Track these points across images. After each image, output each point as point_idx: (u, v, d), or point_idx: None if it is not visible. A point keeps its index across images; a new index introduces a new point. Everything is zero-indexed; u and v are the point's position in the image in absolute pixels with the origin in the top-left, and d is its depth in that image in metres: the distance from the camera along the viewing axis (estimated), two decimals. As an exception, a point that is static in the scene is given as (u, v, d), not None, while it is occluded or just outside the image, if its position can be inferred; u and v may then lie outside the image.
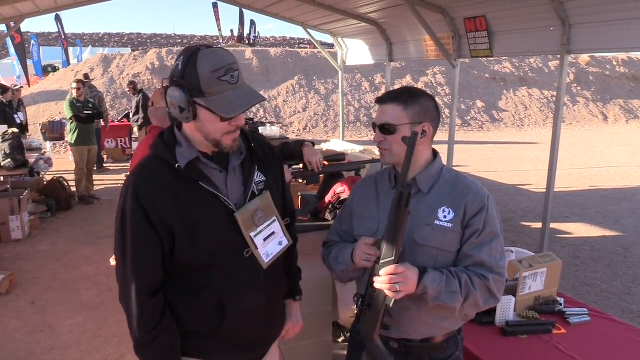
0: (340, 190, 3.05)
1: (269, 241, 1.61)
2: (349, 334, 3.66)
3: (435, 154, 1.73)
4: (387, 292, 1.49)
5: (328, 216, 3.05)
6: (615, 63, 22.39)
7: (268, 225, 1.61)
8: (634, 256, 5.74)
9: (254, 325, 1.63)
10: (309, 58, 19.22)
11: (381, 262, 1.51)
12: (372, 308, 1.55)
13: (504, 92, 20.14)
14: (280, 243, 1.66)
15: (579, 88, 20.96)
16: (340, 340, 3.56)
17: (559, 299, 2.48)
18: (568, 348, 2.10)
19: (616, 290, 4.83)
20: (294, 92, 17.72)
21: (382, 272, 1.49)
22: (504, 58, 20.68)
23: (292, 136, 14.72)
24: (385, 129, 1.64)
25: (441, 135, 1.84)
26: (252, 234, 1.55)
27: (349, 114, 17.21)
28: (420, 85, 18.25)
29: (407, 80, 18.78)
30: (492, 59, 19.91)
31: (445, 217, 1.60)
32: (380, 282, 1.49)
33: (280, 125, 13.28)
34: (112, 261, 3.23)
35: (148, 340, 1.50)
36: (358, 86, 18.59)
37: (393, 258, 1.48)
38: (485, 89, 19.93)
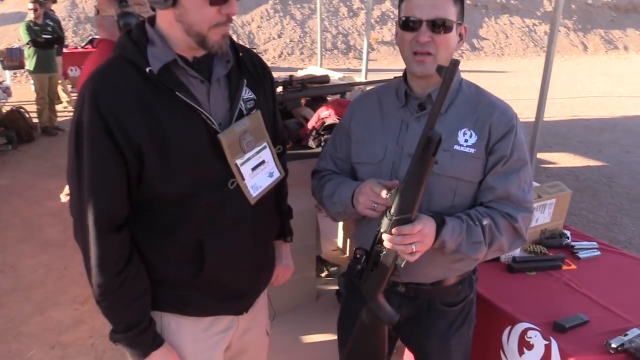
0: (325, 114, 2.77)
1: (257, 171, 1.33)
2: (332, 268, 3.55)
3: None
4: (400, 252, 1.23)
5: (312, 143, 2.78)
6: (598, -9, 21.90)
7: (257, 152, 1.32)
8: (618, 186, 5.68)
9: (239, 271, 1.36)
10: (284, -19, 18.20)
11: (394, 217, 1.22)
12: (379, 268, 1.29)
13: (485, 19, 19.57)
14: (270, 174, 1.38)
15: (560, 17, 20.51)
16: (323, 275, 3.42)
17: (565, 231, 2.30)
18: (580, 285, 1.93)
19: (602, 220, 4.76)
20: (268, 17, 16.85)
21: (395, 230, 1.21)
22: (486, -17, 19.93)
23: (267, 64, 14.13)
24: (437, 26, 1.31)
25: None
26: (239, 162, 1.27)
27: (326, 40, 16.51)
28: (399, 12, 17.55)
29: (387, 6, 18.01)
30: (474, -16, 19.19)
31: (466, 140, 1.32)
32: (394, 242, 1.22)
33: (255, 52, 12.67)
34: (63, 197, 2.88)
35: (112, 287, 1.22)
36: (335, 12, 17.76)
37: (410, 215, 1.20)
38: (466, 17, 19.23)
